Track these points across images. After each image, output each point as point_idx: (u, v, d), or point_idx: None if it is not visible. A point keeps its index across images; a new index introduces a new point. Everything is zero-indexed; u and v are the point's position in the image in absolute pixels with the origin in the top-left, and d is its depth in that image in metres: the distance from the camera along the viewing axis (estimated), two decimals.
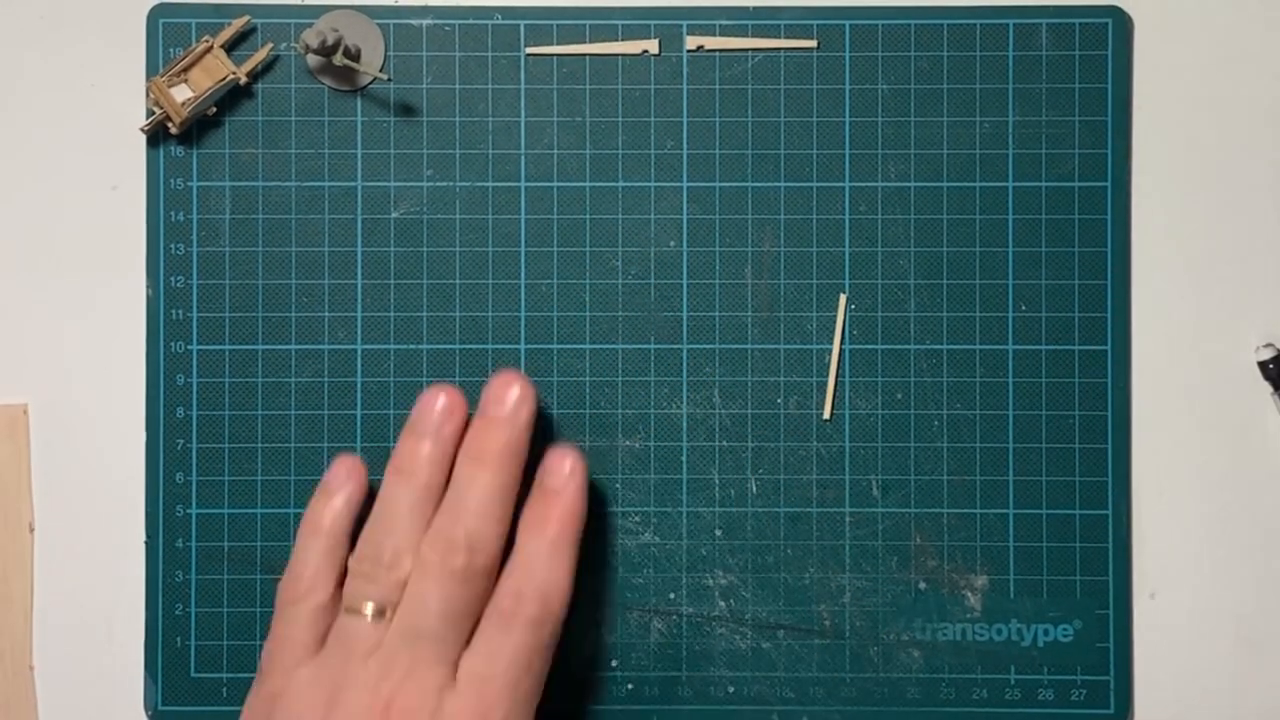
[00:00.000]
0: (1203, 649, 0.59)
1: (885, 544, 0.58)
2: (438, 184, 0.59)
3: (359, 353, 0.59)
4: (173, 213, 0.59)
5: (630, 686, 0.58)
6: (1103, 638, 0.58)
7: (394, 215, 0.59)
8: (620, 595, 0.58)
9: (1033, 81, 0.59)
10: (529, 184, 0.59)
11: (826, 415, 0.59)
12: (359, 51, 0.58)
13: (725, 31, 0.59)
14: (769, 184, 0.59)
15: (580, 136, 0.59)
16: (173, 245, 0.59)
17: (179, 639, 0.58)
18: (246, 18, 0.58)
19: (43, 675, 0.59)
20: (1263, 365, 0.58)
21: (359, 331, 0.59)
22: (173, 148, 0.59)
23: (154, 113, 0.58)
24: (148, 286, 0.59)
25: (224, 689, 0.58)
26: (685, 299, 0.59)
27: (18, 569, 0.59)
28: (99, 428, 0.59)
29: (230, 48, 0.58)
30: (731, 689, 0.58)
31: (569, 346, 0.59)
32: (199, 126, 0.59)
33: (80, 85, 0.59)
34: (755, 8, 0.59)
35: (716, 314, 0.59)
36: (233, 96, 0.58)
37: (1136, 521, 0.59)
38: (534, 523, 0.52)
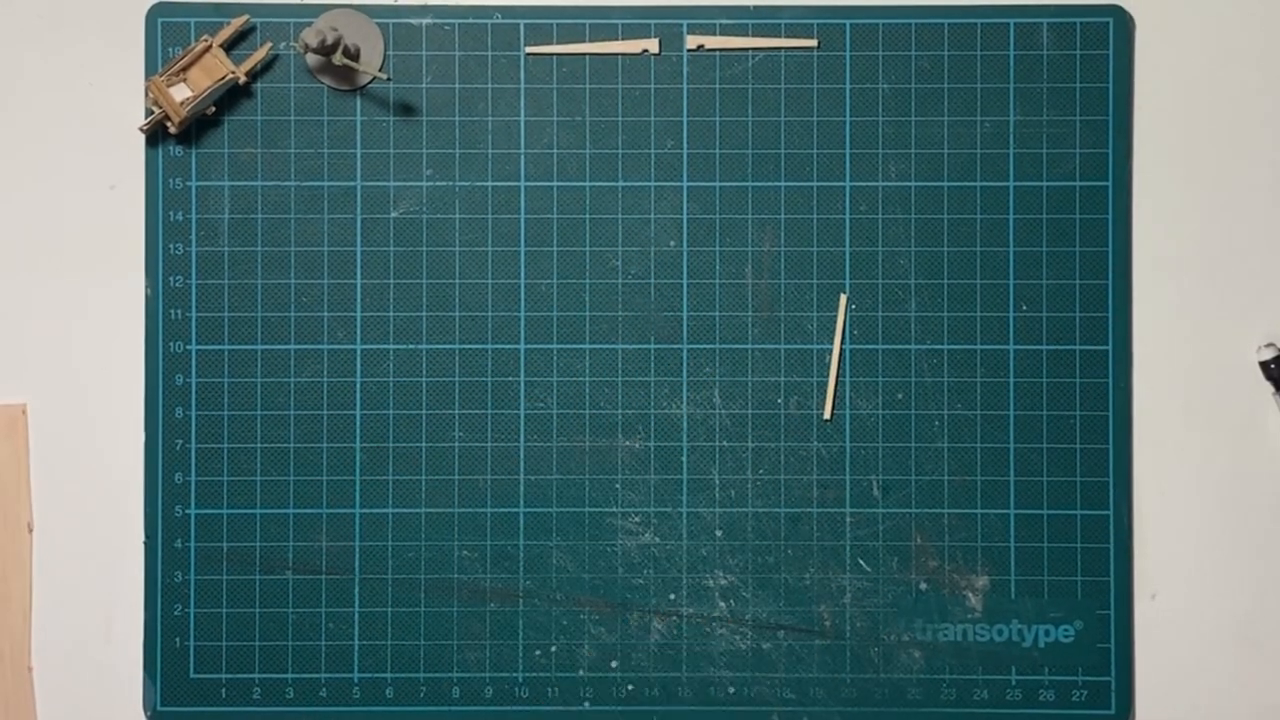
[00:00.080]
0: (1204, 649, 0.59)
1: (886, 544, 0.58)
2: (437, 183, 0.59)
3: (358, 353, 0.59)
4: (171, 212, 0.58)
5: (630, 687, 0.58)
6: (1104, 638, 0.58)
7: (393, 215, 0.59)
8: (620, 595, 0.58)
9: (1034, 81, 0.59)
10: (528, 183, 0.59)
11: (827, 415, 0.58)
12: (358, 51, 0.58)
13: (725, 31, 0.59)
14: (769, 183, 0.59)
15: (580, 136, 0.59)
16: (171, 245, 0.58)
17: (178, 639, 0.58)
18: (245, 17, 0.58)
19: (42, 675, 0.59)
20: (1264, 365, 0.58)
21: (358, 331, 0.59)
22: (171, 147, 0.59)
23: (153, 112, 0.58)
24: (146, 286, 0.58)
25: (223, 689, 0.58)
26: (685, 299, 0.59)
27: (16, 569, 0.58)
28: (98, 428, 0.59)
29: (229, 47, 0.58)
30: (732, 689, 0.58)
31: (569, 346, 0.59)
32: (198, 126, 0.58)
33: (79, 85, 0.59)
34: (756, 7, 0.59)
35: (716, 314, 0.59)
36: (232, 96, 0.58)
37: (1137, 522, 0.59)
38: None
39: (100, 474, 0.59)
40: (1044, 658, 0.58)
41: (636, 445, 0.58)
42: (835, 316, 0.59)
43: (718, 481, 0.59)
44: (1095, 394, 0.58)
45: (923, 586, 0.58)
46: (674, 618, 0.58)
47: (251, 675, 0.58)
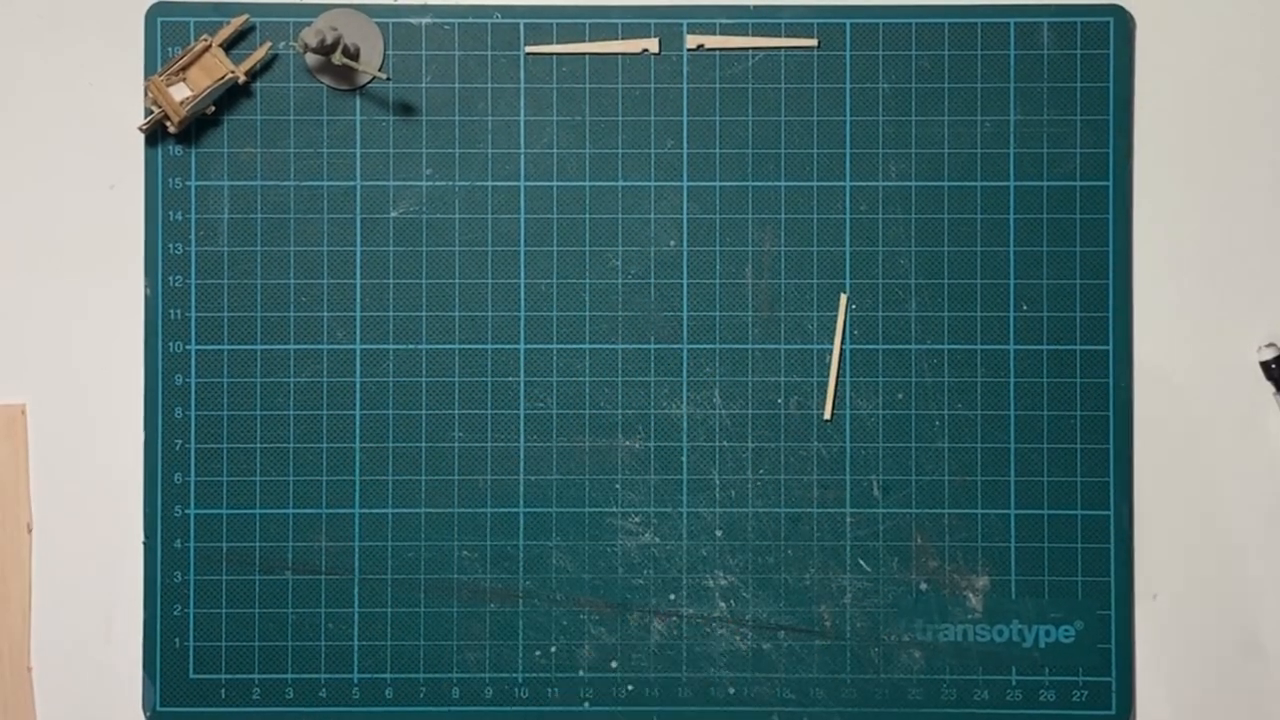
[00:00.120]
0: (1204, 650, 0.58)
1: (886, 544, 0.58)
2: (437, 183, 0.59)
3: (358, 353, 0.59)
4: (171, 212, 0.58)
5: (630, 688, 0.58)
6: (1104, 639, 0.58)
7: (393, 214, 0.59)
8: (620, 596, 0.58)
9: (1034, 80, 0.58)
10: (528, 183, 0.59)
11: (827, 415, 0.58)
12: (358, 50, 0.58)
13: (725, 30, 0.59)
14: (769, 183, 0.59)
15: (580, 135, 0.59)
16: (171, 244, 0.58)
17: (177, 640, 0.58)
18: (245, 16, 0.58)
19: (41, 676, 0.59)
20: (1265, 365, 0.58)
21: (358, 331, 0.59)
22: (171, 147, 0.58)
23: (152, 112, 0.58)
24: (146, 286, 0.58)
25: (222, 690, 0.58)
26: (685, 299, 0.59)
27: (16, 569, 0.58)
28: (97, 428, 0.59)
29: (229, 46, 0.58)
30: (732, 690, 0.58)
31: (569, 346, 0.59)
32: (197, 125, 0.58)
33: (78, 84, 0.59)
34: (756, 6, 0.59)
35: (717, 314, 0.59)
36: (231, 95, 0.58)
37: (1138, 522, 0.58)
38: None
39: (99, 474, 0.59)
40: (1044, 658, 0.58)
41: (636, 445, 0.58)
42: (835, 316, 0.59)
43: (718, 481, 0.58)
44: (1096, 394, 0.58)
45: (923, 587, 0.58)
46: (674, 618, 0.58)
47: (251, 676, 0.58)
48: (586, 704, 0.58)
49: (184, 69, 0.58)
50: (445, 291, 0.59)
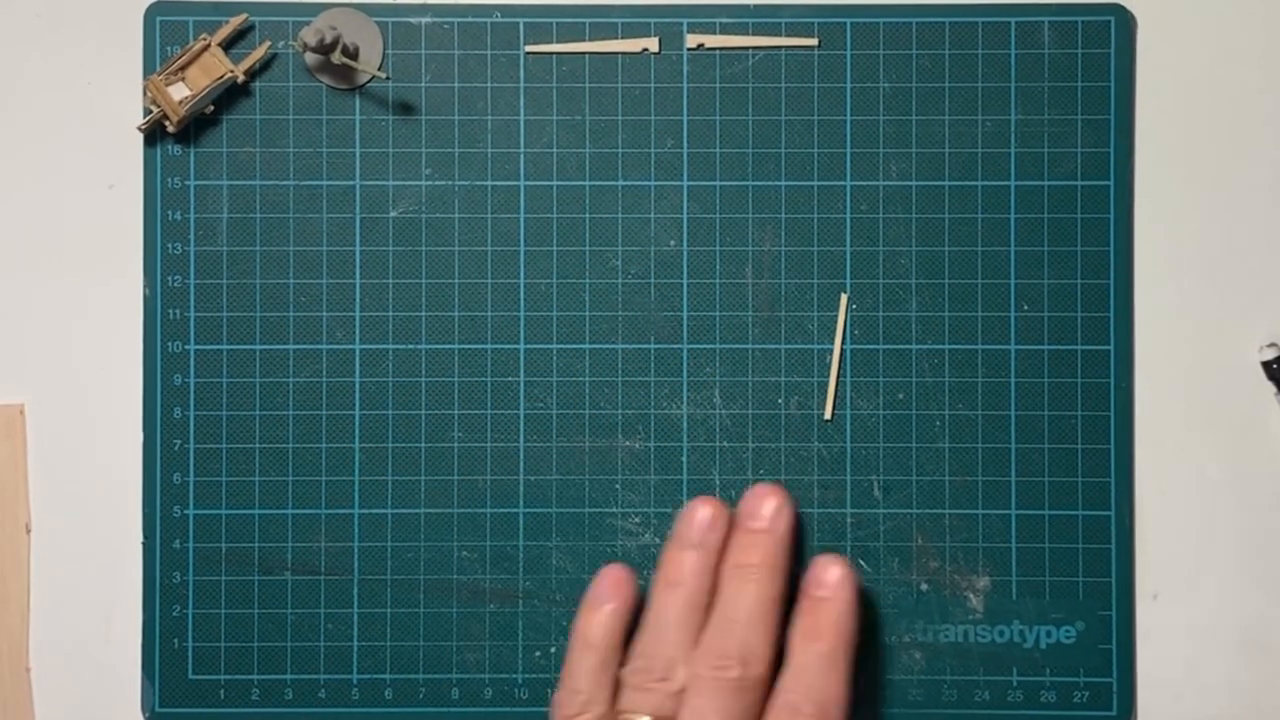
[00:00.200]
0: (1206, 651, 0.58)
1: (887, 545, 0.58)
2: (436, 183, 0.59)
3: (357, 353, 0.58)
4: (170, 212, 0.58)
5: None
6: (1105, 639, 0.58)
7: (392, 214, 0.59)
8: None
9: (1035, 80, 0.58)
10: (528, 183, 0.59)
11: (828, 416, 0.58)
12: (357, 49, 0.58)
13: (726, 29, 0.59)
14: (770, 183, 0.59)
15: (580, 135, 0.59)
16: (170, 244, 0.58)
17: (176, 640, 0.58)
18: (244, 16, 0.58)
19: (40, 677, 0.59)
20: (1266, 365, 0.58)
21: (357, 331, 0.58)
22: (170, 146, 0.58)
23: (151, 111, 0.57)
24: (145, 286, 0.58)
25: (221, 690, 0.58)
26: (685, 298, 0.59)
27: (14, 570, 0.58)
28: (96, 428, 0.59)
29: (228, 46, 0.58)
30: None
31: (568, 346, 0.58)
32: (196, 125, 0.58)
33: (77, 84, 0.59)
34: (756, 5, 0.59)
35: (717, 314, 0.59)
36: (230, 95, 0.58)
37: (1139, 523, 0.58)
38: (806, 634, 0.52)
39: (98, 474, 0.59)
40: (1045, 659, 0.58)
41: (636, 445, 0.58)
42: (836, 316, 0.59)
43: (718, 482, 0.58)
44: (1097, 394, 0.58)
45: (924, 587, 0.58)
46: None
47: (250, 676, 0.58)
48: None
49: (183, 68, 0.58)
50: (445, 291, 0.58)
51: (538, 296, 0.59)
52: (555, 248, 0.59)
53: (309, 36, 0.55)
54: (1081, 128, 0.58)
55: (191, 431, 0.58)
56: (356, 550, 0.58)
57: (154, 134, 0.58)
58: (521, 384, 0.58)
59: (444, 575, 0.58)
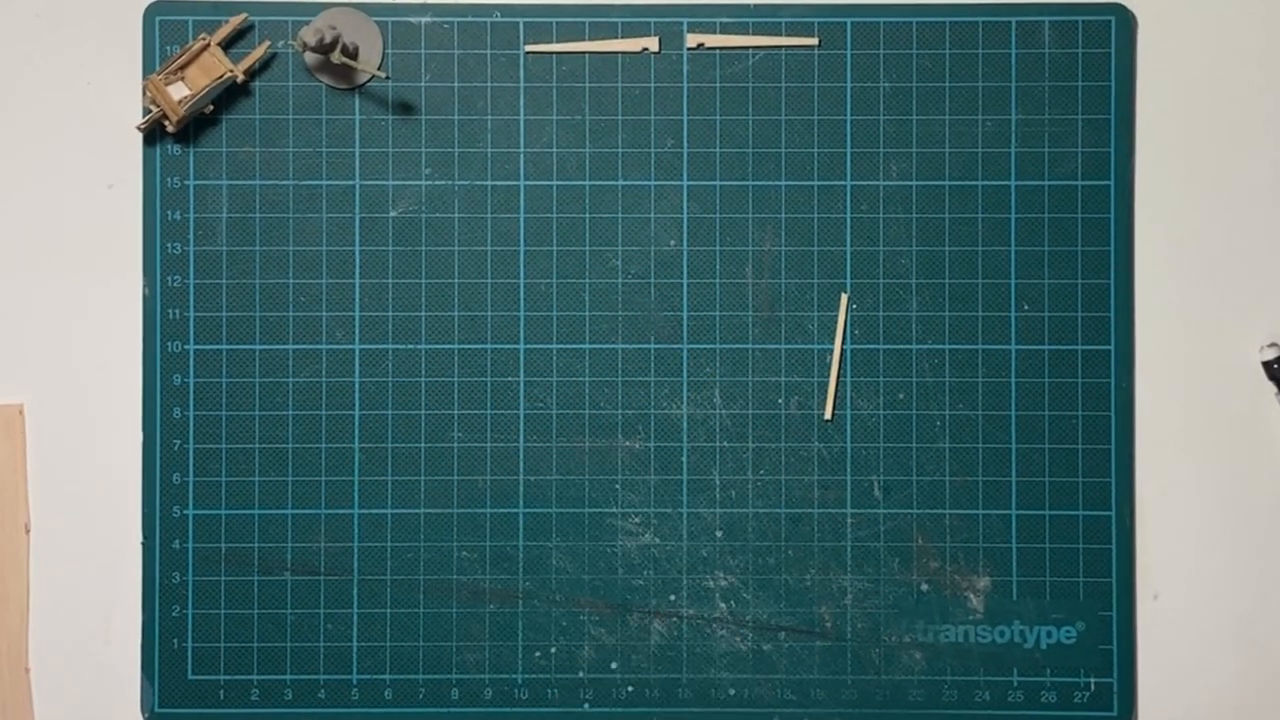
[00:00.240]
0: (1206, 650, 0.58)
1: (887, 545, 0.58)
2: (436, 182, 0.59)
3: (357, 352, 0.58)
4: (169, 211, 0.58)
5: (630, 689, 0.58)
6: (1106, 639, 0.58)
7: (392, 214, 0.59)
8: (620, 597, 0.58)
9: (1035, 79, 0.58)
10: (528, 182, 0.59)
11: (828, 416, 0.58)
12: (357, 49, 0.58)
13: (726, 29, 0.58)
14: (770, 182, 0.58)
15: (580, 135, 0.59)
16: (169, 244, 0.58)
17: (176, 640, 0.58)
18: (244, 15, 0.58)
19: (39, 677, 0.58)
20: (1267, 365, 0.58)
21: (357, 331, 0.58)
22: (169, 146, 0.58)
23: (151, 111, 0.57)
24: (144, 286, 0.58)
25: (221, 691, 0.58)
26: (685, 298, 0.58)
27: (14, 570, 0.58)
28: (95, 428, 0.58)
29: (227, 45, 0.58)
30: (732, 691, 0.58)
31: (568, 346, 0.58)
32: (196, 125, 0.58)
33: (77, 84, 0.59)
34: (756, 5, 0.58)
35: (717, 314, 0.58)
36: (230, 94, 0.58)
37: (1139, 523, 0.58)
38: None
39: (98, 474, 0.58)
40: (1046, 659, 0.58)
41: (636, 446, 0.58)
42: (836, 316, 0.58)
43: (718, 482, 0.58)
44: (1097, 394, 0.58)
45: (924, 587, 0.58)
46: (674, 619, 0.58)
47: (250, 677, 0.58)
48: (586, 705, 0.58)
49: (182, 68, 0.57)
50: (444, 291, 0.58)
51: (538, 296, 0.58)
52: (555, 248, 0.59)
53: (309, 36, 0.55)
54: (1082, 127, 0.58)
55: (191, 431, 0.58)
56: (356, 550, 0.58)
57: (153, 134, 0.58)
58: (521, 384, 0.58)
59: (444, 575, 0.58)
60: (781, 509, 0.58)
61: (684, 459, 0.58)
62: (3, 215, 0.59)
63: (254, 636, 0.58)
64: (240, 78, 0.57)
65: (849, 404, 0.58)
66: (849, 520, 0.58)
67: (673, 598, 0.58)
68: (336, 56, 0.56)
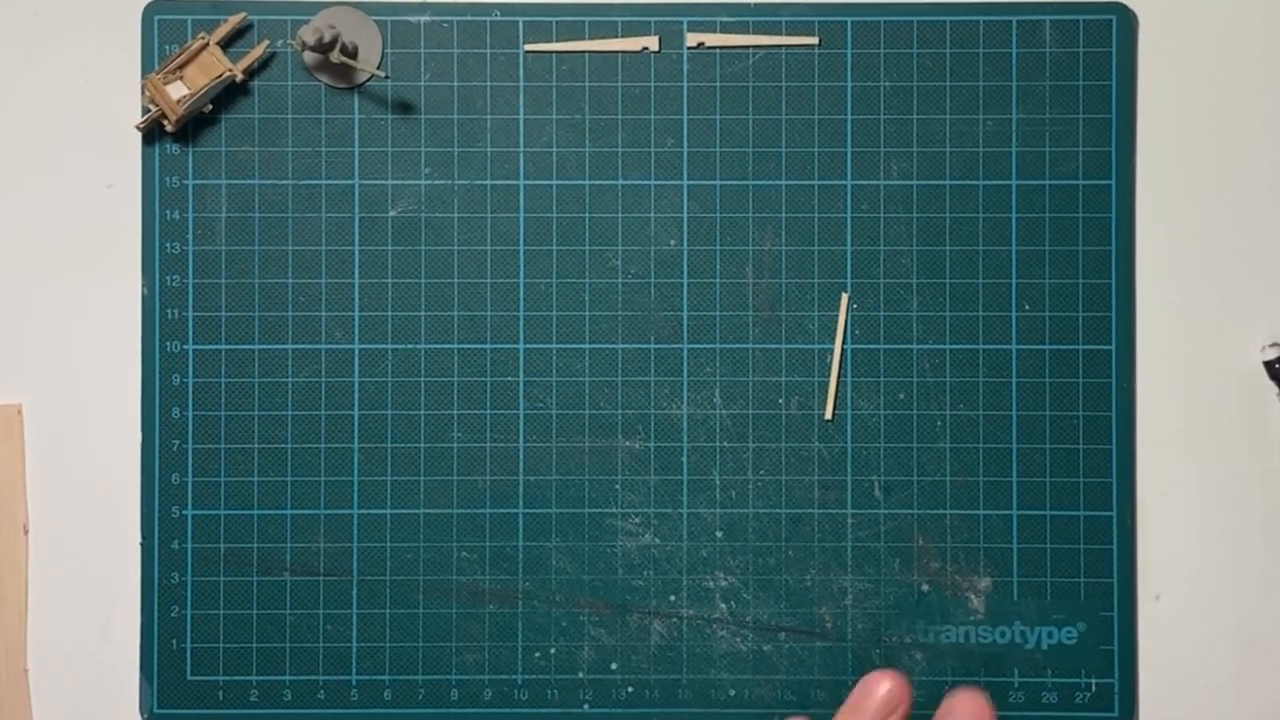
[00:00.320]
0: (1207, 650, 0.58)
1: (887, 545, 0.58)
2: (436, 182, 0.58)
3: (356, 352, 0.58)
4: (168, 211, 0.58)
5: (630, 690, 0.58)
6: (1107, 640, 0.58)
7: (392, 214, 0.58)
8: (620, 597, 0.58)
9: (1036, 79, 0.58)
10: (528, 182, 0.58)
11: (828, 416, 0.58)
12: (356, 48, 0.57)
13: (726, 28, 0.58)
14: (770, 182, 0.58)
15: (579, 134, 0.58)
16: (168, 244, 0.58)
17: (175, 641, 0.58)
18: (243, 14, 0.58)
19: (38, 677, 0.58)
20: (1268, 365, 0.58)
21: (356, 331, 0.58)
22: (168, 145, 0.58)
23: (149, 110, 0.57)
24: (143, 285, 0.58)
25: (220, 691, 0.58)
26: (685, 298, 0.58)
27: (12, 570, 0.58)
28: (94, 428, 0.58)
29: (226, 45, 0.58)
30: (733, 692, 0.58)
31: (568, 346, 0.58)
32: (195, 124, 0.58)
33: (76, 83, 0.59)
34: (756, 4, 0.58)
35: (717, 313, 0.58)
36: (229, 94, 0.58)
37: (1141, 523, 0.58)
38: None
39: (97, 475, 0.58)
40: (1047, 660, 0.58)
41: (636, 446, 0.58)
42: (836, 316, 0.58)
43: (718, 482, 0.58)
44: (1098, 394, 0.58)
45: (924, 588, 0.58)
46: (674, 619, 0.58)
47: (249, 677, 0.58)
48: (586, 706, 0.58)
49: (181, 67, 0.57)
50: (444, 291, 0.58)
51: (537, 296, 0.58)
52: (555, 247, 0.58)
53: (308, 35, 0.55)
54: (1083, 127, 0.58)
55: (190, 432, 0.58)
56: (355, 551, 0.58)
57: (152, 133, 0.58)
58: (521, 384, 0.58)
59: (443, 576, 0.58)
60: (782, 509, 0.58)
61: (684, 459, 0.58)
62: (2, 215, 0.59)
63: (253, 637, 0.58)
64: (239, 77, 0.57)
65: (849, 404, 0.58)
66: (849, 520, 0.58)
67: (673, 598, 0.58)
68: (336, 56, 0.56)
